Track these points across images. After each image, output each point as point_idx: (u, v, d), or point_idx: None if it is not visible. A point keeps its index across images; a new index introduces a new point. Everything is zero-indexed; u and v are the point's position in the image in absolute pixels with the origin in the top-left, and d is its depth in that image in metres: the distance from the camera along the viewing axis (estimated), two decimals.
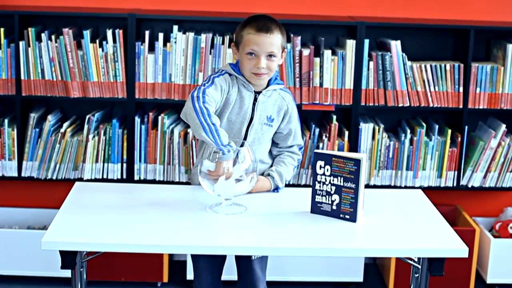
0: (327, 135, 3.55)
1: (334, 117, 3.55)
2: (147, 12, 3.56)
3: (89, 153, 3.51)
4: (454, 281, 3.63)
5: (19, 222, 3.85)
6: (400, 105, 3.53)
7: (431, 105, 3.54)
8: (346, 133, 3.55)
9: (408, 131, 3.58)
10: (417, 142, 3.57)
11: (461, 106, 3.55)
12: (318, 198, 2.49)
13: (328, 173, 2.46)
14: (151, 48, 3.48)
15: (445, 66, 3.51)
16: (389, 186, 3.61)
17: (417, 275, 2.41)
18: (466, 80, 3.53)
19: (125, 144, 3.54)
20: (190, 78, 3.48)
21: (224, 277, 2.89)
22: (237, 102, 2.71)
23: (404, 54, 3.49)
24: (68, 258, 2.28)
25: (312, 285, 3.72)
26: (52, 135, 3.53)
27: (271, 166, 2.81)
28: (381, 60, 3.49)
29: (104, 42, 3.45)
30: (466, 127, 3.59)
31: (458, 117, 3.61)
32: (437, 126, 3.58)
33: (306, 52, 3.45)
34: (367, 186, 3.49)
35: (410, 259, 2.45)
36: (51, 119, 3.52)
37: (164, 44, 3.46)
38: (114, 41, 3.45)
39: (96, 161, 3.54)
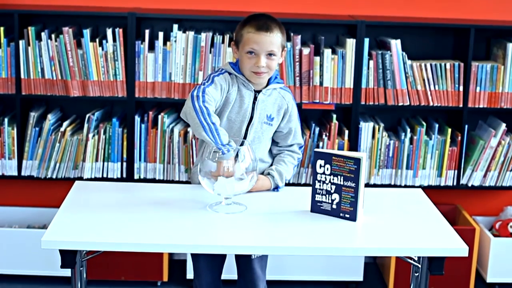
0: (327, 134, 3.55)
1: (334, 116, 3.55)
2: (147, 11, 3.56)
3: (89, 152, 3.51)
4: (454, 280, 3.63)
5: (19, 221, 3.85)
6: (400, 104, 3.53)
7: (431, 104, 3.54)
8: (346, 132, 3.55)
9: (408, 130, 3.58)
10: (417, 141, 3.57)
11: (461, 105, 3.55)
12: (318, 197, 2.49)
13: (328, 172, 2.46)
14: (151, 47, 3.48)
15: (445, 65, 3.51)
16: (389, 185, 3.61)
17: (417, 274, 2.41)
18: (466, 79, 3.52)
19: (125, 143, 3.54)
20: (190, 77, 3.48)
21: (224, 276, 2.89)
22: (237, 101, 2.71)
23: (404, 53, 3.49)
24: (68, 257, 2.27)
25: (312, 284, 3.72)
26: (52, 134, 3.53)
27: (271, 165, 2.81)
28: (381, 59, 3.49)
29: (104, 41, 3.45)
30: (466, 126, 3.59)
31: (458, 116, 3.61)
32: (437, 125, 3.58)
33: (306, 51, 3.45)
34: (367, 185, 3.49)
35: (410, 258, 2.45)
36: (51, 118, 3.52)
37: (164, 43, 3.46)
38: (114, 40, 3.44)
39: (96, 160, 3.54)
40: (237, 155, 2.45)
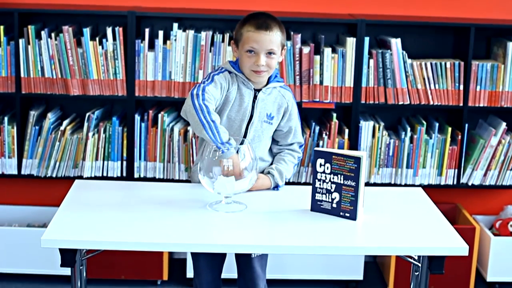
0: (327, 133, 3.55)
1: (334, 115, 3.55)
2: (147, 10, 3.55)
3: (89, 151, 3.51)
4: (454, 279, 3.63)
5: (19, 220, 3.84)
6: (400, 103, 3.53)
7: (431, 103, 3.54)
8: (346, 131, 3.55)
9: (408, 129, 3.58)
10: (417, 140, 3.56)
11: (461, 104, 3.55)
12: (318, 196, 2.49)
13: (328, 171, 2.46)
14: (151, 46, 3.48)
15: (445, 64, 3.51)
16: (389, 184, 3.61)
17: (417, 273, 2.41)
18: (466, 78, 3.52)
19: (125, 142, 3.54)
20: (190, 75, 3.48)
21: (224, 275, 2.89)
22: (237, 100, 2.71)
23: (404, 52, 3.49)
24: (68, 256, 2.27)
25: (312, 283, 3.72)
26: (52, 132, 3.53)
27: (271, 164, 2.81)
28: (381, 58, 3.49)
29: (104, 40, 3.45)
30: (467, 125, 3.59)
31: (459, 115, 3.61)
32: (437, 124, 3.58)
33: (306, 49, 3.45)
34: (367, 184, 3.48)
35: (410, 257, 2.45)
36: (51, 117, 3.52)
37: (164, 42, 3.46)
38: (114, 38, 3.44)
39: (96, 159, 3.54)
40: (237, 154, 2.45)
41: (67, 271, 2.46)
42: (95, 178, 3.53)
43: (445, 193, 3.91)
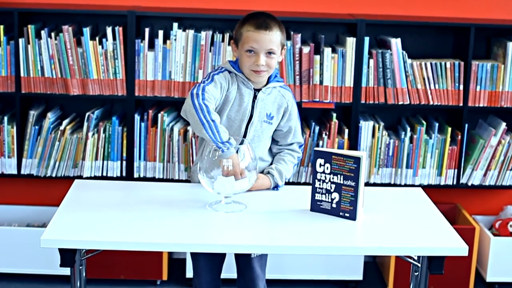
0: (327, 133, 3.55)
1: (334, 115, 3.55)
2: (147, 10, 3.55)
3: (88, 150, 3.50)
4: (453, 279, 3.63)
5: (19, 219, 3.84)
6: (400, 103, 3.53)
7: (431, 103, 3.54)
8: (346, 131, 3.55)
9: (408, 129, 3.58)
10: (417, 140, 3.56)
11: (461, 104, 3.55)
12: (318, 196, 2.49)
13: (328, 171, 2.45)
14: (151, 46, 3.48)
15: (445, 64, 3.51)
16: (389, 184, 3.61)
17: (417, 273, 2.41)
18: (466, 78, 3.52)
19: (124, 141, 3.53)
20: (190, 75, 3.47)
21: (223, 275, 2.89)
22: (237, 100, 2.71)
23: (404, 52, 3.49)
24: (67, 256, 2.27)
25: (312, 284, 3.72)
26: (52, 132, 3.52)
27: (271, 164, 2.81)
28: (381, 57, 3.48)
29: (104, 40, 3.45)
30: (466, 125, 3.59)
31: (458, 115, 3.60)
32: (437, 124, 3.58)
33: (306, 49, 3.45)
34: (367, 184, 3.48)
35: (410, 257, 2.45)
36: (50, 117, 3.52)
37: (164, 42, 3.46)
38: (114, 38, 3.44)
39: (96, 158, 3.53)
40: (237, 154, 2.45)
41: (66, 271, 2.46)
42: (95, 178, 3.53)
43: (444, 193, 3.91)
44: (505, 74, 3.54)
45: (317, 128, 3.54)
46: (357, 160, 2.39)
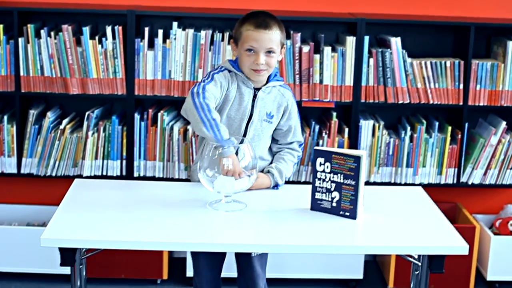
0: (327, 132, 3.54)
1: (334, 114, 3.55)
2: (146, 9, 3.55)
3: (88, 150, 3.50)
4: (454, 278, 3.63)
5: (19, 219, 3.84)
6: (400, 102, 3.53)
7: (431, 102, 3.53)
8: (346, 130, 3.55)
9: (408, 128, 3.58)
10: (417, 139, 3.56)
11: (461, 103, 3.55)
12: (318, 195, 2.49)
13: (328, 170, 2.45)
14: (151, 45, 3.48)
15: (445, 63, 3.51)
16: (389, 183, 3.61)
17: (417, 272, 2.41)
18: (466, 77, 3.52)
19: (124, 141, 3.53)
20: (190, 74, 3.47)
21: (224, 274, 2.89)
22: (237, 99, 2.71)
23: (404, 51, 3.49)
24: (68, 255, 2.27)
25: (312, 282, 3.72)
26: (52, 131, 3.52)
27: (271, 163, 2.80)
28: (381, 57, 3.48)
29: (103, 39, 3.44)
30: (466, 124, 3.59)
31: (458, 114, 3.60)
32: (437, 123, 3.57)
33: (306, 48, 3.45)
34: (367, 183, 3.47)
35: (410, 256, 2.45)
36: (50, 116, 3.51)
37: (164, 41, 3.45)
38: (114, 37, 3.44)
39: (96, 158, 3.53)
40: (237, 153, 2.45)
41: (66, 270, 2.46)
42: (95, 177, 3.53)
43: (445, 192, 3.91)
44: (505, 73, 3.54)
45: (317, 127, 3.53)
46: (357, 159, 2.39)
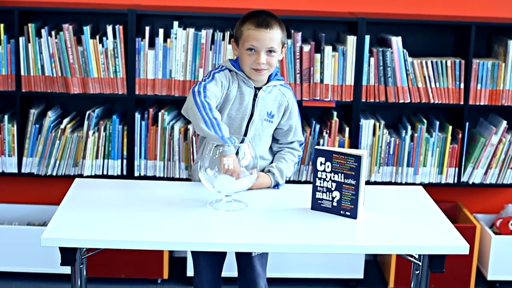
0: (328, 131, 3.54)
1: (335, 113, 3.54)
2: (147, 8, 3.55)
3: (89, 149, 3.50)
4: (454, 278, 3.63)
5: (19, 218, 3.84)
6: (401, 101, 3.53)
7: (431, 101, 3.53)
8: (347, 129, 3.55)
9: (409, 127, 3.58)
10: (417, 138, 3.56)
11: (462, 103, 3.54)
12: (318, 195, 2.48)
13: (328, 169, 2.45)
14: (151, 44, 3.48)
15: (446, 62, 3.51)
16: (389, 183, 3.61)
17: (418, 271, 2.41)
18: (467, 76, 3.52)
19: (125, 140, 3.53)
20: (191, 74, 3.47)
21: (224, 273, 2.88)
22: (237, 98, 2.71)
23: (405, 50, 3.48)
24: (68, 254, 2.27)
25: (313, 282, 3.72)
26: (52, 131, 3.52)
27: (272, 162, 2.80)
28: (381, 56, 3.48)
29: (104, 38, 3.44)
30: (467, 123, 3.59)
31: (459, 114, 3.60)
32: (438, 123, 3.57)
33: (306, 48, 3.44)
34: (367, 182, 3.48)
35: (411, 255, 2.44)
36: (51, 115, 3.51)
37: (164, 40, 3.45)
38: (114, 37, 3.44)
39: (96, 157, 3.53)
40: (237, 153, 2.45)
41: (67, 270, 2.46)
42: (95, 176, 3.53)
43: (445, 191, 3.91)
44: (506, 72, 3.53)
45: (317, 126, 3.53)
46: (358, 158, 2.39)
